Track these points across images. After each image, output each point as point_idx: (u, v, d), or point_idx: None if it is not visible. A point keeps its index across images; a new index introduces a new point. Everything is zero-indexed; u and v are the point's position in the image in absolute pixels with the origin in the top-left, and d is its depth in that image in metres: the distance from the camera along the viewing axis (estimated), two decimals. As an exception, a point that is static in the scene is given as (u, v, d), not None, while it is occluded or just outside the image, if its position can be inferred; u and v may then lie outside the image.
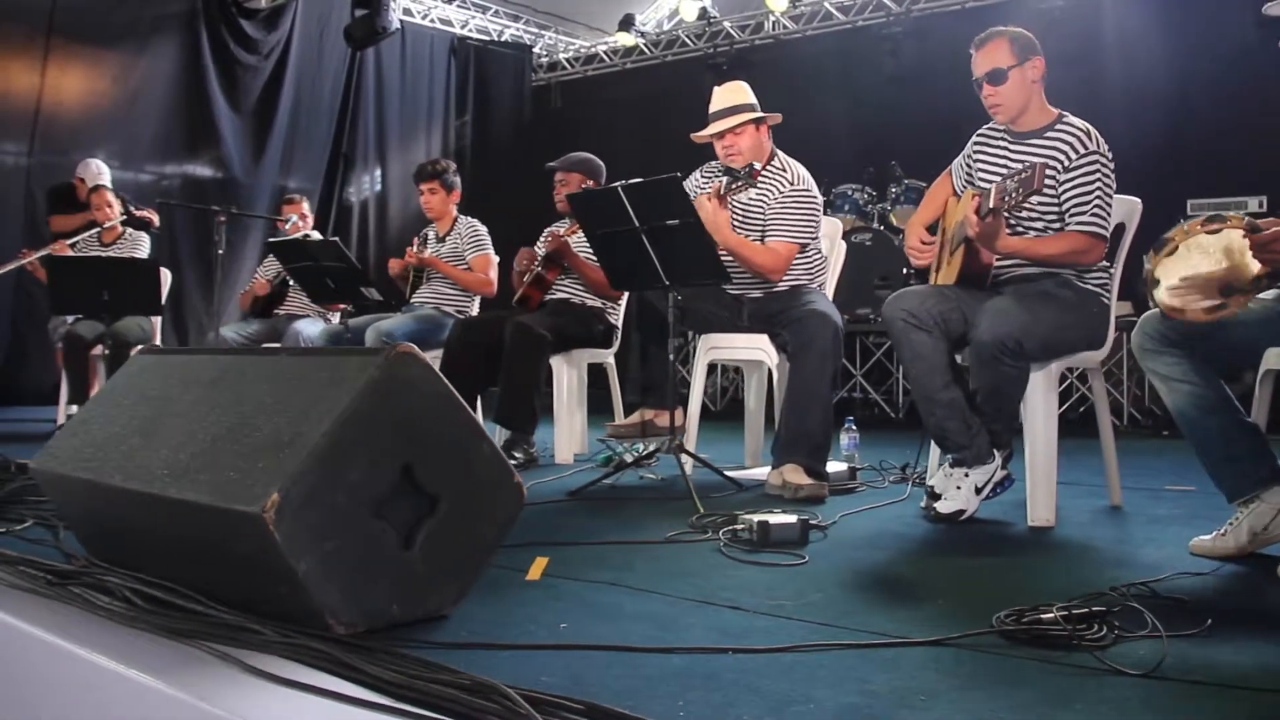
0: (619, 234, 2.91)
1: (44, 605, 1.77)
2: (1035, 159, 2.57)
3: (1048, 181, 2.52)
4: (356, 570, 1.57)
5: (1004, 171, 2.65)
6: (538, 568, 2.03)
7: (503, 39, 8.61)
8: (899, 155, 6.13)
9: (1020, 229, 2.63)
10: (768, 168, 3.26)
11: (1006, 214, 2.49)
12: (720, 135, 3.27)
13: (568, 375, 3.84)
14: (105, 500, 1.89)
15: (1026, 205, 2.53)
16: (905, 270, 5.60)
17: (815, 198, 3.28)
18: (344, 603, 1.55)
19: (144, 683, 1.40)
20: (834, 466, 3.14)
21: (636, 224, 2.84)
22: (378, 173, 7.90)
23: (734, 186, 3.07)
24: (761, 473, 3.30)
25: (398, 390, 1.61)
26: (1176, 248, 1.99)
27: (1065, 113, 2.67)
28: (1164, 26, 5.76)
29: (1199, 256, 2.01)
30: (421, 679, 1.33)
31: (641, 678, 1.41)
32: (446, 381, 1.66)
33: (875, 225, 5.85)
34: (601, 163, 4.09)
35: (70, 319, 4.96)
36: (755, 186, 3.14)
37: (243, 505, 1.50)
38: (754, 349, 3.27)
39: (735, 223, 3.22)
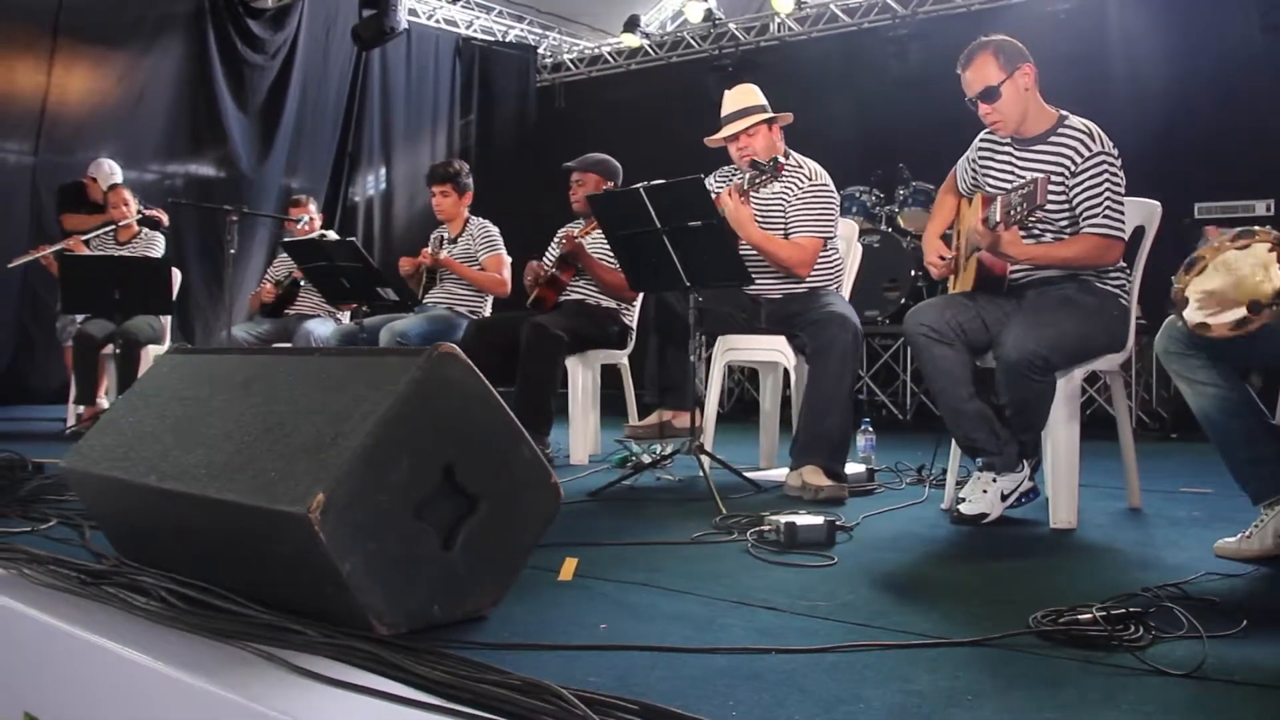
0: (640, 235, 2.91)
1: (80, 605, 1.77)
2: (1041, 166, 2.58)
3: (1057, 186, 2.53)
4: (399, 571, 1.57)
5: (1011, 178, 2.66)
6: (569, 568, 2.04)
7: (507, 40, 8.62)
8: (905, 157, 6.14)
9: (1035, 231, 2.63)
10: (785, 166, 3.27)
11: (1014, 225, 2.49)
12: (734, 137, 3.29)
13: (583, 376, 3.85)
14: (138, 500, 1.89)
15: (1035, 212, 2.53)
16: (914, 273, 5.62)
17: (834, 193, 3.30)
18: (386, 603, 1.56)
19: (192, 683, 1.40)
20: (851, 468, 3.15)
21: (659, 225, 2.84)
22: (383, 172, 7.90)
23: (758, 180, 3.08)
24: (778, 474, 3.31)
25: (440, 391, 1.61)
26: (1206, 266, 2.00)
27: (1066, 113, 2.66)
28: (1170, 29, 5.78)
29: (1224, 272, 2.02)
30: (470, 679, 1.33)
31: (687, 678, 1.41)
32: (487, 382, 1.67)
33: (883, 227, 5.87)
34: (618, 164, 4.10)
35: (79, 318, 4.96)
36: (779, 179, 3.14)
37: (287, 505, 1.51)
38: (771, 350, 3.28)
39: (756, 220, 3.23)
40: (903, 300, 5.65)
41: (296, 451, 1.60)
